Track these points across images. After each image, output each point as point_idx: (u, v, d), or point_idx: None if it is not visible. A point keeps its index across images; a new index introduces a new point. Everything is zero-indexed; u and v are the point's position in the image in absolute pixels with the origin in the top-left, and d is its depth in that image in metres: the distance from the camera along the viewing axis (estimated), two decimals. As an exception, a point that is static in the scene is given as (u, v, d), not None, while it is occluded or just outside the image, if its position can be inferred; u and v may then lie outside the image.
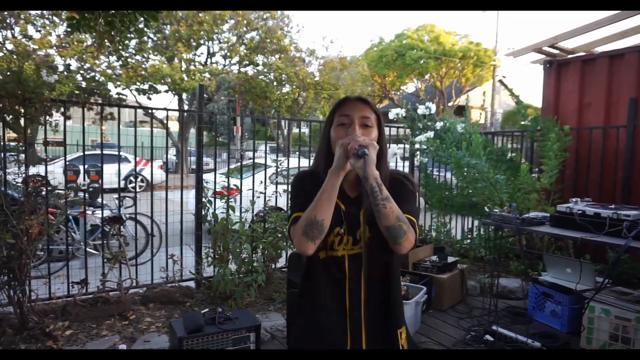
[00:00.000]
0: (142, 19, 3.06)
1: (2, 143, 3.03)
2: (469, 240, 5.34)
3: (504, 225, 3.37)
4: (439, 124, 4.85)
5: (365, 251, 1.31)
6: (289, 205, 1.42)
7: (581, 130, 4.81)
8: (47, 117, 3.35)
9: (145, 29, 3.46)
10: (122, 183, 12.25)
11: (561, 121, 4.89)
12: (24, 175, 3.08)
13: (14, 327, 2.96)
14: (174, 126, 24.39)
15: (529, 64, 5.59)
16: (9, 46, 13.31)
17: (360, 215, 1.34)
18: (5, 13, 12.64)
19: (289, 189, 1.55)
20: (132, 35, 3.28)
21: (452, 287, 3.91)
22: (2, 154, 3.07)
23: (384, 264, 1.37)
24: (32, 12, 13.11)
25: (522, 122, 5.21)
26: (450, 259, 4.09)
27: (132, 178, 13.02)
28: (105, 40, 3.12)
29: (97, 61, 13.92)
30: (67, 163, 4.55)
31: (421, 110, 4.92)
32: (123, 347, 2.36)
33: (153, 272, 3.84)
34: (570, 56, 5.12)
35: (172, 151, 19.68)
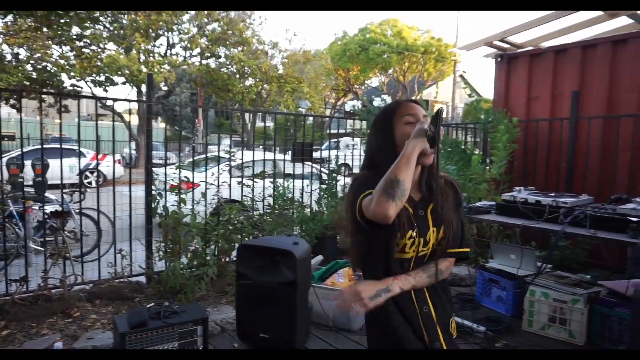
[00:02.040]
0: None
1: None
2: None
3: (452, 214, 3.44)
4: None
5: (430, 252, 1.38)
6: (350, 201, 1.35)
7: (529, 122, 4.98)
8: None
9: (87, 18, 3.32)
10: (77, 178, 11.84)
11: (511, 113, 5.04)
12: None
13: (-56, 328, 2.80)
14: (135, 120, 23.68)
15: (484, 58, 5.76)
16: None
17: (429, 216, 1.37)
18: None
19: (348, 189, 1.42)
20: (71, 22, 3.12)
21: (404, 276, 3.97)
22: None
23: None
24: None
25: (478, 115, 5.35)
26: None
27: (87, 173, 12.57)
28: (44, 27, 2.95)
29: (48, 50, 13.30)
30: (11, 157, 4.33)
31: (377, 102, 4.97)
32: (59, 345, 2.26)
33: (100, 268, 3.71)
34: (519, 50, 5.28)
35: (132, 145, 19.12)
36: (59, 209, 4.08)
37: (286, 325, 2.77)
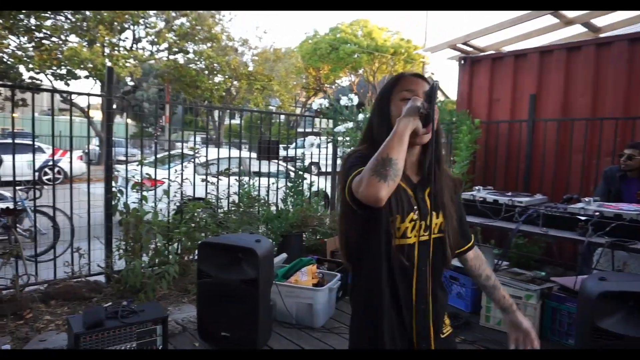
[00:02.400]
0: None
1: None
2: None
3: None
4: (360, 116, 4.96)
5: (433, 238, 1.27)
6: (342, 180, 1.25)
7: (490, 123, 5.13)
8: None
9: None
10: (36, 175, 11.37)
11: (473, 115, 5.18)
12: None
13: None
14: (98, 115, 22.97)
15: (449, 60, 5.91)
16: None
17: (427, 199, 1.27)
18: None
19: (341, 167, 1.33)
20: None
21: (368, 274, 4.02)
22: None
23: (445, 250, 1.31)
24: None
25: (443, 116, 5.47)
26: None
27: (47, 169, 12.09)
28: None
29: (4, 41, 12.72)
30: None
31: (344, 101, 5.00)
32: (7, 347, 2.18)
33: (56, 268, 3.59)
34: (481, 54, 5.43)
35: (95, 141, 18.55)
36: (11, 206, 3.91)
37: (248, 323, 2.76)
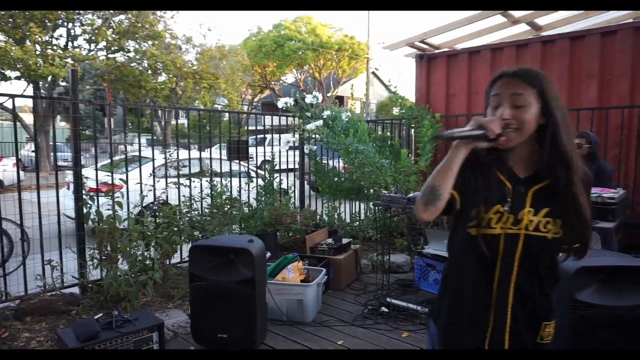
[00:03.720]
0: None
1: None
2: (357, 223, 5.68)
3: (392, 204, 3.67)
4: (326, 113, 5.05)
5: (524, 233, 1.25)
6: None
7: (449, 117, 5.42)
8: None
9: None
10: (-34, 185, 10.46)
11: (432, 110, 5.45)
12: None
13: None
14: (28, 118, 21.43)
15: (402, 57, 6.15)
16: None
17: (529, 195, 1.27)
18: None
19: None
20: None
21: (348, 267, 4.14)
22: None
23: (543, 253, 1.26)
24: None
25: (398, 111, 5.68)
26: (345, 241, 4.32)
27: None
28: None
29: None
30: None
31: (309, 99, 5.07)
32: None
33: (27, 282, 3.39)
34: (437, 51, 5.71)
35: (29, 146, 17.35)
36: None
37: (246, 323, 2.78)
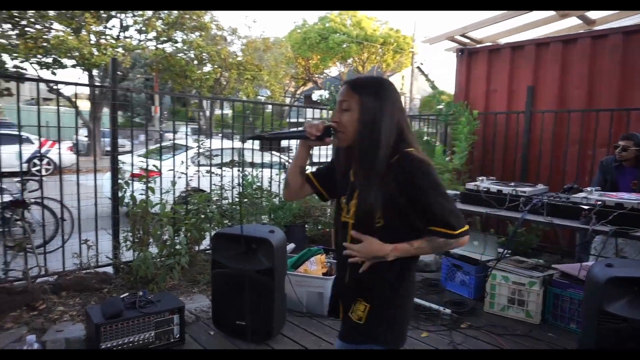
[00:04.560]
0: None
1: None
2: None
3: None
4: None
5: (351, 222, 1.45)
6: None
7: (488, 115, 5.23)
8: None
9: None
10: (25, 166, 11.15)
11: (471, 106, 5.27)
12: None
13: None
14: (84, 105, 22.59)
15: (444, 52, 5.98)
16: None
17: (356, 191, 1.44)
18: None
19: None
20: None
21: (372, 263, 4.10)
22: None
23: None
24: None
25: (437, 107, 5.55)
26: (371, 236, 4.28)
27: (36, 161, 11.91)
28: None
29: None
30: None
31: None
32: (32, 338, 2.20)
33: (65, 259, 3.59)
34: (478, 45, 5.51)
35: (83, 132, 18.27)
36: (13, 198, 3.89)
37: (263, 312, 2.82)
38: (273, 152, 6.10)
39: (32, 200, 4.34)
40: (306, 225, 4.77)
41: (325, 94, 5.10)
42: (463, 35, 5.44)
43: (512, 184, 3.51)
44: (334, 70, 26.68)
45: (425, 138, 5.39)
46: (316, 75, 25.63)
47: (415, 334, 3.05)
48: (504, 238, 4.30)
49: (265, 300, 2.82)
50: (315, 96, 5.04)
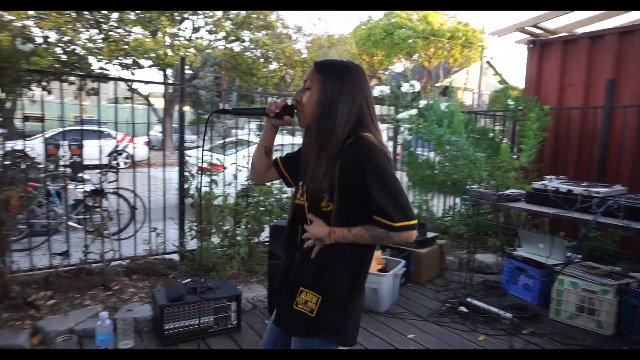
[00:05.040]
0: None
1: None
2: (449, 218, 5.45)
3: (481, 201, 3.46)
4: (422, 102, 4.89)
5: (306, 204, 1.42)
6: None
7: (560, 110, 4.90)
8: (26, 90, 3.30)
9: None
10: (107, 159, 12.13)
11: (542, 101, 4.96)
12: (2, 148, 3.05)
13: (-4, 297, 2.98)
14: (159, 103, 24.03)
15: (514, 44, 5.66)
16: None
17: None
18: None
19: None
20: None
21: (430, 262, 4.02)
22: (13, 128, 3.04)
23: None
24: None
25: (506, 102, 5.28)
26: (430, 235, 4.19)
27: (115, 154, 12.90)
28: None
29: (77, 33, 13.53)
30: (48, 137, 4.49)
31: (405, 88, 4.95)
32: (105, 314, 2.40)
33: (136, 245, 3.86)
34: (552, 36, 5.17)
35: (157, 128, 19.43)
36: (94, 187, 4.25)
37: (317, 304, 2.85)
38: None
39: (110, 190, 4.72)
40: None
41: (386, 89, 5.04)
42: (535, 26, 5.13)
43: (585, 183, 3.27)
44: (399, 66, 26.24)
45: (491, 135, 5.15)
46: (380, 72, 25.35)
47: (471, 337, 2.94)
48: (575, 242, 4.01)
49: (318, 293, 2.85)
50: (376, 92, 4.99)
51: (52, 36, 13.51)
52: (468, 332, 3.00)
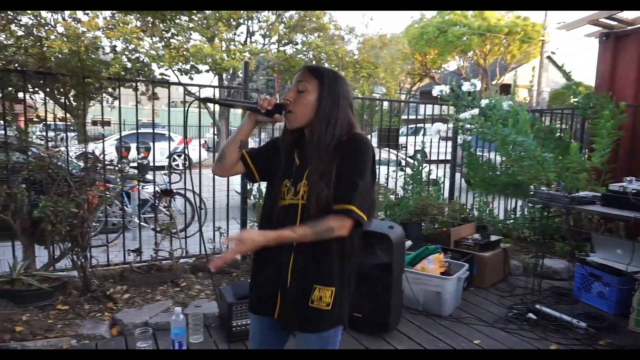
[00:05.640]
0: None
1: (65, 122, 3.23)
2: (511, 220, 5.25)
3: (552, 203, 3.30)
4: (484, 102, 4.74)
5: (301, 203, 1.43)
6: None
7: (638, 107, 4.57)
8: (104, 95, 3.54)
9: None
10: (167, 161, 12.76)
11: (616, 97, 4.65)
12: (80, 151, 3.28)
13: (79, 289, 3.21)
14: (216, 106, 24.82)
15: (581, 38, 5.34)
16: (60, 29, 13.87)
17: (306, 172, 1.43)
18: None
19: None
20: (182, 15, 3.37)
21: (494, 266, 3.88)
22: (66, 133, 3.28)
23: (308, 216, 1.40)
24: (81, -5, 13.53)
25: (573, 100, 5.01)
26: (493, 238, 4.05)
27: (175, 156, 13.51)
28: (157, 20, 3.22)
29: (141, 42, 14.29)
30: (120, 140, 4.77)
31: (466, 87, 4.81)
32: (179, 309, 2.52)
33: (201, 244, 4.01)
34: (630, 28, 4.83)
35: (212, 130, 20.10)
36: (162, 187, 4.47)
37: (380, 306, 2.84)
38: (391, 150, 6.10)
39: (177, 190, 4.94)
40: (423, 223, 4.68)
41: (446, 89, 4.92)
42: (610, 18, 4.82)
43: (670, 185, 3.03)
44: (452, 64, 25.58)
45: (558, 134, 4.90)
46: (433, 71, 24.83)
47: (542, 345, 2.81)
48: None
49: (382, 294, 2.84)
50: (435, 92, 4.89)
51: (119, 45, 14.38)
52: (538, 341, 2.87)
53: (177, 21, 14.18)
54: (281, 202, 1.47)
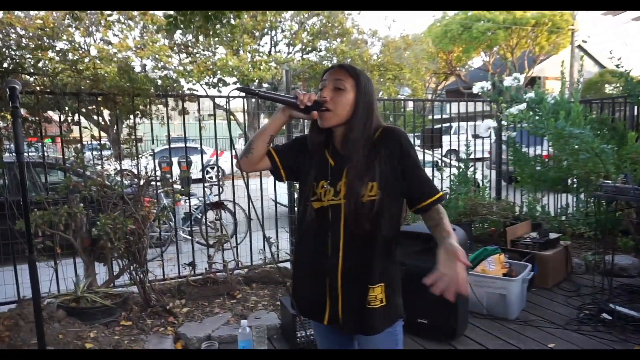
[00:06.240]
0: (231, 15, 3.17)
1: (119, 140, 3.29)
2: (566, 216, 5.05)
3: (619, 197, 3.14)
4: (529, 95, 4.59)
5: (344, 202, 1.41)
6: None
7: (697, 90, 4.33)
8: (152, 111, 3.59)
9: (234, 23, 3.58)
10: (200, 174, 13.00)
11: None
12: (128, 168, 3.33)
13: (139, 304, 3.24)
14: (241, 117, 25.15)
15: (632, 21, 5.11)
16: (93, 52, 14.33)
17: (345, 168, 1.42)
18: (87, 22, 13.51)
19: None
20: (225, 29, 3.40)
21: (556, 265, 3.72)
22: (119, 150, 3.34)
23: (368, 220, 1.39)
24: (111, 18, 13.96)
25: (613, 88, 4.79)
26: (553, 236, 3.89)
27: (208, 169, 13.71)
28: (201, 35, 3.26)
29: (169, 59, 14.62)
30: (160, 156, 4.85)
31: (508, 82, 4.68)
32: (245, 322, 2.51)
33: (252, 254, 4.01)
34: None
35: (242, 141, 20.35)
36: (212, 200, 4.50)
37: (446, 311, 2.75)
38: (430, 151, 5.99)
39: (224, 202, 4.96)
40: (472, 224, 4.55)
41: (487, 85, 4.80)
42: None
43: None
44: (477, 61, 25.13)
45: (612, 123, 4.70)
46: (458, 68, 24.45)
47: (623, 347, 2.65)
48: None
49: (447, 299, 2.74)
50: (476, 88, 4.77)
51: (148, 64, 14.75)
52: (618, 342, 2.71)
53: (218, 32, 14.48)
54: (317, 204, 1.45)
